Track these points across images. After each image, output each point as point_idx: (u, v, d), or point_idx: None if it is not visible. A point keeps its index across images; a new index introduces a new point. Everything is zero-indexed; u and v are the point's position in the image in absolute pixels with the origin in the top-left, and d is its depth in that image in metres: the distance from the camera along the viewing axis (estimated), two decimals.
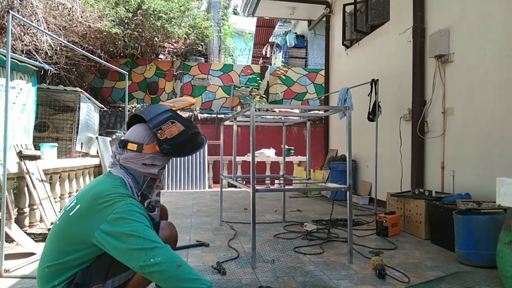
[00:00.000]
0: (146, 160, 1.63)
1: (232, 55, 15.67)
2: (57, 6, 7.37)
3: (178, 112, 1.80)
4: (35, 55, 6.89)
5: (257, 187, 2.78)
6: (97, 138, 6.38)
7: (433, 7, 4.57)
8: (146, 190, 1.67)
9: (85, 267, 1.49)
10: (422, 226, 3.71)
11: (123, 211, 1.43)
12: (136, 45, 9.57)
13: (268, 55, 15.23)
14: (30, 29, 6.80)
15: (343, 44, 7.29)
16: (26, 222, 3.87)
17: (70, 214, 1.49)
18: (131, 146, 1.62)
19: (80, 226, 1.46)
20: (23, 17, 6.40)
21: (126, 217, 1.42)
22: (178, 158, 8.20)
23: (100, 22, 8.38)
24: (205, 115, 10.34)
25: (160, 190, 1.83)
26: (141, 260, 1.36)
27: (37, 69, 4.95)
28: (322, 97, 9.53)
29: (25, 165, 3.61)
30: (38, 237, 3.62)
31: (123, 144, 1.64)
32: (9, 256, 2.92)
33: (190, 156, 8.31)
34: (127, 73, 4.79)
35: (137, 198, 1.62)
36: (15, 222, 3.36)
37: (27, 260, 2.83)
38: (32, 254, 2.98)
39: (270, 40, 14.90)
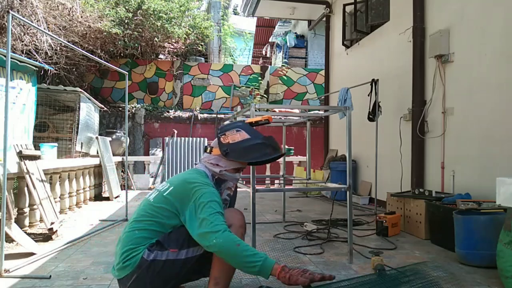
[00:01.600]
0: (212, 160, 2.03)
1: (232, 55, 15.67)
2: (57, 6, 7.37)
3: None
4: (35, 55, 6.89)
5: (257, 187, 2.78)
6: (97, 138, 6.39)
7: (433, 7, 4.57)
8: (215, 186, 1.98)
9: (168, 232, 1.84)
10: (422, 226, 3.71)
11: (204, 196, 1.81)
12: (136, 45, 9.58)
13: (268, 55, 15.23)
14: (30, 29, 6.80)
15: (343, 44, 7.29)
16: (26, 222, 3.87)
17: (165, 194, 1.88)
18: (207, 148, 2.08)
19: (172, 204, 1.85)
20: (23, 17, 6.40)
21: (205, 202, 1.79)
22: (178, 158, 8.19)
23: (100, 22, 8.38)
24: (205, 115, 10.34)
25: (231, 193, 2.17)
26: (207, 241, 1.72)
27: (37, 69, 4.95)
28: (322, 97, 9.53)
29: (25, 165, 3.61)
30: (38, 237, 3.62)
31: (206, 148, 2.11)
32: (9, 256, 2.91)
33: (189, 156, 8.32)
34: (127, 73, 4.79)
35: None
36: (15, 222, 3.36)
37: (27, 260, 2.83)
38: (32, 254, 2.98)
39: (270, 40, 14.91)
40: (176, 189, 1.88)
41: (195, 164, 2.18)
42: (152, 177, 8.36)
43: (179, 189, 1.88)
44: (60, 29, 7.47)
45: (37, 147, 4.56)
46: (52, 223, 3.57)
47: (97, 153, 6.44)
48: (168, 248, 1.81)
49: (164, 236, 1.84)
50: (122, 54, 9.99)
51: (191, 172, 2.01)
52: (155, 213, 1.85)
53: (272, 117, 4.49)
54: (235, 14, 18.53)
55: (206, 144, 2.32)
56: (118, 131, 8.30)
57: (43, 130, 5.93)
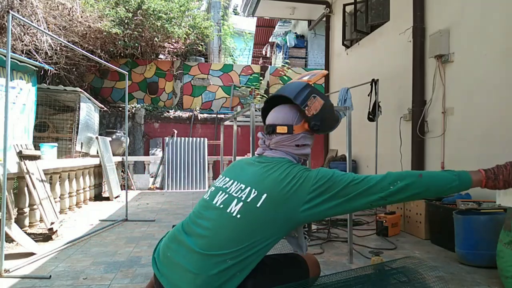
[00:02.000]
0: (299, 140, 1.56)
1: (232, 55, 15.67)
2: (57, 6, 7.37)
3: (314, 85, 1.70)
4: (35, 55, 6.89)
5: None
6: (97, 138, 6.38)
7: (433, 7, 4.57)
8: None
9: (253, 271, 1.37)
10: (422, 226, 3.71)
11: (319, 176, 1.40)
12: (136, 45, 9.57)
13: (268, 55, 15.23)
14: (30, 29, 6.80)
15: (343, 44, 7.29)
16: (26, 222, 3.87)
17: (258, 205, 1.37)
18: (280, 129, 1.55)
19: (277, 213, 1.37)
20: (23, 17, 6.40)
21: (325, 178, 1.39)
22: (178, 158, 8.20)
23: (100, 22, 8.37)
24: (205, 115, 10.34)
25: None
26: (378, 193, 1.36)
27: (37, 69, 4.95)
28: None
29: (25, 165, 3.61)
30: (38, 237, 3.62)
31: (272, 129, 1.57)
32: (9, 256, 2.92)
33: (189, 156, 8.32)
34: (127, 73, 4.79)
35: None
36: (15, 222, 3.36)
37: (27, 260, 2.83)
38: (32, 254, 2.98)
39: (270, 40, 14.90)
40: (274, 196, 1.39)
41: (259, 154, 1.62)
42: (152, 177, 8.36)
43: (279, 193, 1.39)
44: (60, 29, 7.47)
45: (37, 147, 4.56)
46: (52, 223, 3.57)
47: (97, 153, 6.44)
48: None
49: (252, 283, 1.38)
50: (122, 54, 9.99)
51: (272, 167, 1.48)
52: (252, 236, 1.36)
53: None
54: (235, 14, 18.52)
55: (269, 124, 1.58)
56: (118, 131, 8.30)
57: (43, 130, 5.92)
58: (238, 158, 9.08)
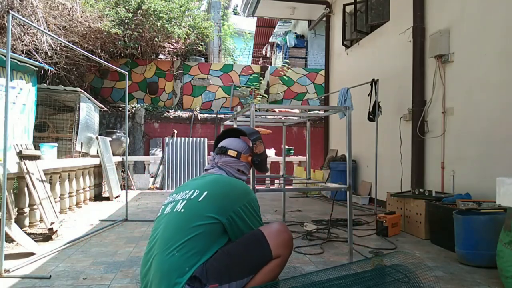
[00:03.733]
0: (241, 167, 1.95)
1: (232, 55, 15.67)
2: (57, 6, 7.37)
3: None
4: (35, 55, 6.89)
5: (257, 187, 2.78)
6: (97, 138, 6.39)
7: (433, 7, 4.57)
8: None
9: (203, 262, 1.56)
10: (422, 226, 3.71)
11: (255, 203, 1.75)
12: (136, 45, 9.58)
13: (268, 55, 15.23)
14: (30, 29, 6.80)
15: (343, 44, 7.29)
16: (26, 222, 3.87)
17: (199, 200, 1.66)
18: (231, 152, 1.93)
19: (213, 206, 1.64)
20: (23, 17, 6.40)
21: (255, 208, 1.74)
22: (178, 158, 8.20)
23: (100, 22, 8.37)
24: (205, 115, 10.34)
25: None
26: None
27: (37, 69, 4.95)
28: (322, 97, 9.54)
29: (25, 165, 3.61)
30: (38, 237, 3.62)
31: (224, 150, 1.94)
32: (9, 256, 2.92)
33: (189, 156, 8.32)
34: (127, 73, 4.79)
35: None
36: (15, 222, 3.36)
37: (27, 260, 2.83)
38: (32, 254, 2.98)
39: (270, 40, 14.91)
40: (216, 194, 1.68)
41: (206, 169, 1.95)
42: (152, 177, 8.36)
43: (222, 192, 1.70)
44: (60, 29, 7.47)
45: (37, 147, 4.56)
46: (52, 223, 3.57)
47: (97, 153, 6.44)
48: (207, 283, 1.53)
49: (201, 268, 1.55)
50: (122, 54, 9.99)
51: (218, 175, 1.85)
52: (193, 226, 1.59)
53: (271, 117, 4.51)
54: (235, 14, 18.53)
55: (223, 146, 1.99)
56: (118, 131, 8.30)
57: (43, 130, 5.92)
58: None
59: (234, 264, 1.58)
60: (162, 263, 1.56)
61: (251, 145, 1.97)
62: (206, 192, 1.68)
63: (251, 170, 2.05)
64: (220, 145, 2.00)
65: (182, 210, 1.66)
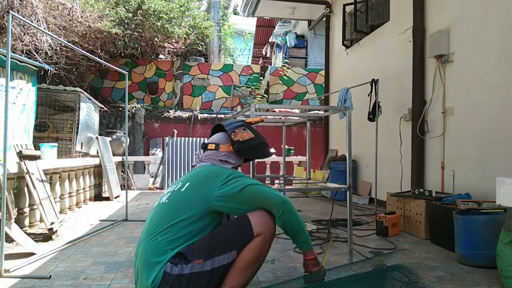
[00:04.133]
0: (222, 157, 2.02)
1: (232, 55, 15.67)
2: (57, 6, 7.37)
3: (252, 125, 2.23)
4: (35, 55, 6.89)
5: None
6: (97, 138, 6.38)
7: (433, 7, 4.57)
8: None
9: (191, 243, 1.70)
10: (422, 226, 3.71)
11: (234, 174, 1.82)
12: (136, 45, 9.57)
13: (268, 55, 15.23)
14: (30, 29, 6.80)
15: (343, 44, 7.29)
16: (26, 222, 3.87)
17: (182, 190, 1.80)
18: (210, 146, 2.05)
19: (194, 194, 1.77)
20: (23, 17, 6.40)
21: (238, 176, 1.81)
22: (178, 158, 8.20)
23: (100, 22, 8.37)
24: (205, 115, 10.34)
25: None
26: (276, 206, 1.78)
27: (37, 69, 4.95)
28: (322, 97, 9.53)
29: (25, 165, 3.61)
30: (38, 237, 3.62)
31: (204, 146, 2.07)
32: (9, 256, 2.91)
33: (190, 156, 8.32)
34: (127, 73, 4.79)
35: None
36: (15, 222, 3.36)
37: (27, 260, 2.83)
38: (32, 254, 2.98)
39: (270, 40, 14.91)
40: (196, 182, 1.81)
41: (193, 165, 2.07)
42: (152, 177, 8.36)
43: (202, 179, 1.82)
44: (60, 29, 7.47)
45: (37, 147, 4.56)
46: (52, 223, 3.57)
47: (97, 153, 6.44)
48: (192, 259, 1.65)
49: (187, 246, 1.68)
50: (122, 54, 9.99)
51: (200, 168, 1.95)
52: (178, 212, 1.73)
53: (271, 117, 4.51)
54: (235, 14, 18.53)
55: (203, 142, 2.24)
56: (118, 131, 8.30)
57: (43, 130, 5.92)
58: None
59: (217, 241, 1.71)
60: (144, 248, 1.72)
61: (229, 134, 2.05)
62: (188, 183, 1.82)
63: (240, 158, 2.10)
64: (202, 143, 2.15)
65: (166, 201, 1.82)
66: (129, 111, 9.71)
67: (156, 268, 1.65)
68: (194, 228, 1.72)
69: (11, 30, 5.37)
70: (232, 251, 1.70)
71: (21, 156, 3.61)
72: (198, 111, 10.40)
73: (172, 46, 11.33)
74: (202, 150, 2.09)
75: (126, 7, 9.28)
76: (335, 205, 5.62)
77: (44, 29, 6.57)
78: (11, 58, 3.08)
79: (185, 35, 10.57)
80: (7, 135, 2.65)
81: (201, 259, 1.66)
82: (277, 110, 4.06)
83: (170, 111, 10.27)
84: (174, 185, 1.91)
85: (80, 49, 4.02)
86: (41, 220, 3.94)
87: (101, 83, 10.34)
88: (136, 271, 1.79)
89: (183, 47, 11.56)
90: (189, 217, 1.72)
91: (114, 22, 8.81)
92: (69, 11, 7.60)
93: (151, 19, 9.48)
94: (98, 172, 6.65)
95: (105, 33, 8.65)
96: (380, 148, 5.25)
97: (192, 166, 2.07)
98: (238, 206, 1.77)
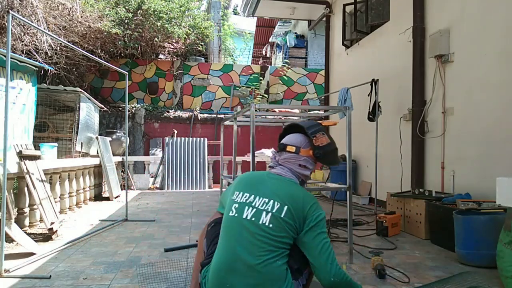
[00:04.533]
0: (302, 161, 1.87)
1: (232, 55, 15.67)
2: (57, 6, 7.37)
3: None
4: (35, 55, 6.89)
5: None
6: (97, 138, 6.39)
7: (433, 7, 4.57)
8: None
9: (291, 256, 1.67)
10: (422, 226, 3.71)
11: (322, 217, 1.71)
12: (136, 45, 9.57)
13: (268, 55, 15.23)
14: (30, 29, 6.80)
15: (343, 44, 7.29)
16: (26, 222, 3.87)
17: (282, 215, 1.66)
18: (290, 148, 1.88)
19: (293, 222, 1.66)
20: (23, 17, 6.40)
21: (323, 225, 1.70)
22: (178, 158, 8.20)
23: (100, 22, 8.37)
24: (205, 115, 10.34)
25: None
26: (325, 272, 1.63)
27: (37, 69, 4.95)
28: (322, 97, 9.53)
29: (25, 165, 3.61)
30: (38, 237, 3.62)
31: (282, 147, 1.91)
32: (9, 256, 2.92)
33: (190, 156, 8.32)
34: (127, 73, 4.79)
35: None
36: (15, 222, 3.36)
37: (27, 260, 2.83)
38: (32, 254, 2.98)
39: (270, 40, 14.90)
40: (293, 209, 1.68)
41: (270, 166, 1.93)
42: (152, 177, 8.36)
43: (297, 207, 1.68)
44: (60, 29, 7.47)
45: (37, 147, 4.56)
46: (52, 223, 3.57)
47: (97, 153, 6.44)
48: (303, 270, 1.71)
49: (293, 259, 1.68)
50: (122, 54, 9.99)
51: (289, 184, 1.80)
52: (282, 238, 1.65)
53: (271, 117, 4.51)
54: (235, 14, 18.52)
55: (281, 143, 1.96)
56: (118, 131, 8.30)
57: (43, 130, 5.92)
58: (238, 158, 9.01)
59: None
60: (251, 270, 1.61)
61: (311, 138, 1.90)
62: (286, 207, 1.68)
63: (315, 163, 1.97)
64: (280, 142, 1.97)
65: (271, 225, 1.65)
66: (129, 111, 9.71)
67: None
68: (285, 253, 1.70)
69: (11, 30, 5.37)
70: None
71: (21, 156, 3.62)
72: (198, 111, 10.40)
73: (172, 46, 11.33)
74: (278, 152, 1.94)
75: (126, 7, 9.28)
76: (335, 205, 5.61)
77: (44, 29, 6.57)
78: (11, 58, 3.08)
79: (185, 35, 10.57)
80: (7, 135, 2.65)
81: (306, 269, 1.72)
82: (277, 110, 4.06)
83: (170, 111, 10.27)
84: (264, 198, 1.73)
85: (80, 49, 4.02)
86: (41, 220, 3.94)
87: (101, 83, 10.34)
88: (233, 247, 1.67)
89: (183, 47, 11.56)
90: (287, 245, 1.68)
91: (114, 22, 8.81)
92: (69, 11, 7.60)
93: (151, 19, 9.48)
94: (98, 172, 6.65)
95: (105, 33, 8.65)
96: (380, 148, 5.25)
97: (269, 166, 1.95)
98: (305, 250, 1.70)
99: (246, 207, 1.72)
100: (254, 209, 1.70)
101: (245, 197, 1.76)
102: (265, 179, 1.81)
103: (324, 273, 1.62)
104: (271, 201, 1.70)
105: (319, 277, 1.65)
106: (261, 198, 1.73)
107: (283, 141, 1.95)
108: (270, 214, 1.67)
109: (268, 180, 1.80)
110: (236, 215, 1.72)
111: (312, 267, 1.67)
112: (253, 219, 1.67)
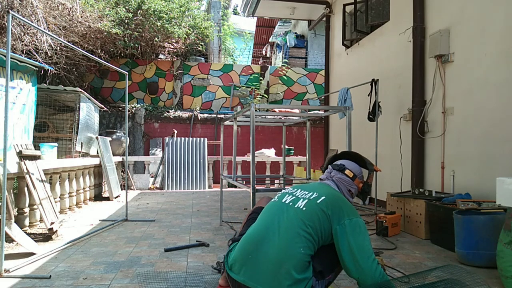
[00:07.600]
0: (352, 189, 2.04)
1: (232, 55, 15.67)
2: (57, 6, 7.37)
3: None
4: (35, 55, 6.89)
5: (257, 187, 2.78)
6: (97, 138, 6.39)
7: (433, 7, 4.57)
8: None
9: (317, 256, 1.73)
10: (422, 226, 3.71)
11: (361, 222, 1.75)
12: (136, 45, 9.57)
13: (268, 55, 15.23)
14: (30, 29, 6.80)
15: (343, 44, 7.29)
16: (26, 222, 3.87)
17: (317, 202, 1.78)
18: (348, 172, 2.04)
19: (327, 210, 1.74)
20: (23, 17, 6.40)
21: (362, 229, 1.73)
22: (178, 158, 8.20)
23: (100, 22, 8.37)
24: (205, 115, 10.34)
25: None
26: (360, 273, 1.68)
27: (37, 69, 4.95)
28: (322, 97, 9.53)
29: (25, 165, 3.61)
30: (38, 237, 3.62)
31: (342, 168, 2.06)
32: (9, 256, 2.92)
33: (190, 156, 8.32)
34: (127, 73, 4.79)
35: None
36: (15, 222, 3.36)
37: (27, 260, 2.83)
38: (32, 254, 2.98)
39: (270, 40, 14.90)
40: (329, 201, 1.78)
41: (321, 179, 2.09)
42: (152, 177, 8.36)
43: (334, 201, 1.79)
44: (60, 29, 7.47)
45: (37, 147, 4.56)
46: (52, 223, 3.57)
47: (97, 153, 6.44)
48: (326, 275, 1.75)
49: (320, 262, 1.74)
50: (122, 54, 9.99)
51: (335, 191, 1.94)
52: (312, 225, 1.71)
53: (271, 117, 4.51)
54: (235, 14, 18.53)
55: (342, 164, 2.10)
56: (118, 131, 8.30)
57: (43, 130, 5.93)
58: (238, 158, 9.01)
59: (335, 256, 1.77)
60: (283, 254, 1.69)
61: (367, 173, 2.08)
62: (324, 197, 1.81)
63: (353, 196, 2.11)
64: (339, 162, 2.12)
65: (304, 208, 1.78)
66: (129, 111, 9.72)
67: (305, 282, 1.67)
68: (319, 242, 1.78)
69: (11, 30, 5.37)
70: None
71: (21, 156, 3.62)
72: (198, 111, 10.40)
73: (172, 46, 11.33)
74: (334, 170, 2.07)
75: (126, 7, 9.28)
76: None
77: (44, 29, 6.57)
78: (11, 58, 3.09)
79: (185, 35, 10.57)
80: (7, 135, 2.65)
81: (330, 275, 1.79)
82: (277, 110, 4.06)
83: (170, 111, 10.27)
84: (305, 191, 1.90)
85: (80, 49, 4.02)
86: (41, 220, 3.94)
87: (101, 83, 10.34)
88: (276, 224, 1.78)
89: (183, 47, 11.56)
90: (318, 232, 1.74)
91: (114, 22, 8.81)
92: (69, 11, 7.60)
93: (151, 19, 9.48)
94: (98, 172, 6.65)
95: (105, 33, 8.65)
96: (380, 148, 5.25)
97: (320, 178, 2.10)
98: (341, 252, 1.72)
99: (287, 195, 1.93)
100: (294, 197, 1.89)
101: (289, 191, 1.99)
102: (313, 183, 2.03)
103: (369, 271, 1.67)
104: (311, 193, 1.87)
105: (364, 276, 1.67)
106: (303, 191, 1.92)
107: (344, 163, 2.09)
108: (306, 200, 1.83)
109: (315, 183, 2.02)
110: (276, 200, 1.95)
111: (355, 262, 1.69)
112: (291, 203, 1.85)
